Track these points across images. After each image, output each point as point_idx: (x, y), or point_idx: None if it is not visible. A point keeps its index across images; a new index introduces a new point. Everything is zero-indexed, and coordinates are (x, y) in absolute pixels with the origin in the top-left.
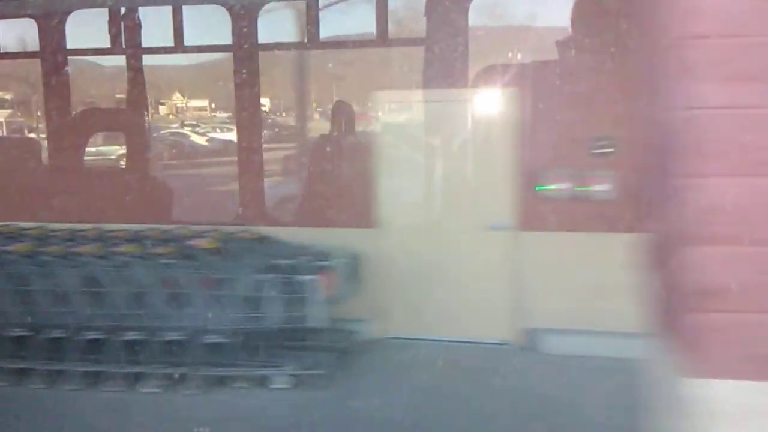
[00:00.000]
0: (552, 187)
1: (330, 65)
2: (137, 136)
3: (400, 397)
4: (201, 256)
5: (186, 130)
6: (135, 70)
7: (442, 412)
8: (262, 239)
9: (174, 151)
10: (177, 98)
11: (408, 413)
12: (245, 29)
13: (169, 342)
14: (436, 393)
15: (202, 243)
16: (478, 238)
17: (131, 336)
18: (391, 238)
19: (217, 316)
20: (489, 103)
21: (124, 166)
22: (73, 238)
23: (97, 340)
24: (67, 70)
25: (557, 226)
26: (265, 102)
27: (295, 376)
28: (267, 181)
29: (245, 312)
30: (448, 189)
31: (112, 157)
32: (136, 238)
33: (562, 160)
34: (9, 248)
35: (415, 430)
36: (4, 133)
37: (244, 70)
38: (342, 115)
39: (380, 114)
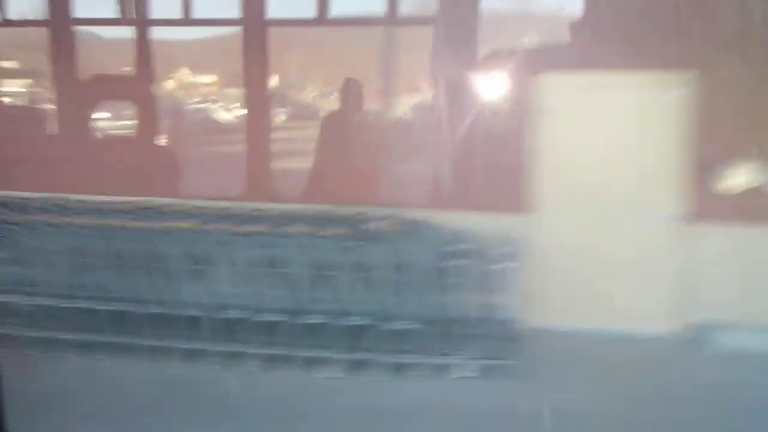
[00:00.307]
0: (730, 176)
1: None
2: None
3: (592, 390)
4: (385, 238)
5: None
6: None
7: (638, 405)
8: (416, 223)
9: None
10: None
11: (610, 408)
12: None
13: (352, 326)
14: (624, 386)
15: (383, 226)
16: (644, 227)
17: (312, 319)
18: (550, 225)
19: (403, 301)
20: (661, 86)
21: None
22: (229, 216)
23: (276, 322)
24: None
25: (734, 218)
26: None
27: (478, 365)
28: (412, 162)
29: (432, 298)
30: (614, 175)
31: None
32: (299, 218)
33: (742, 150)
34: (180, 225)
35: (626, 426)
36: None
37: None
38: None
39: (542, 96)
